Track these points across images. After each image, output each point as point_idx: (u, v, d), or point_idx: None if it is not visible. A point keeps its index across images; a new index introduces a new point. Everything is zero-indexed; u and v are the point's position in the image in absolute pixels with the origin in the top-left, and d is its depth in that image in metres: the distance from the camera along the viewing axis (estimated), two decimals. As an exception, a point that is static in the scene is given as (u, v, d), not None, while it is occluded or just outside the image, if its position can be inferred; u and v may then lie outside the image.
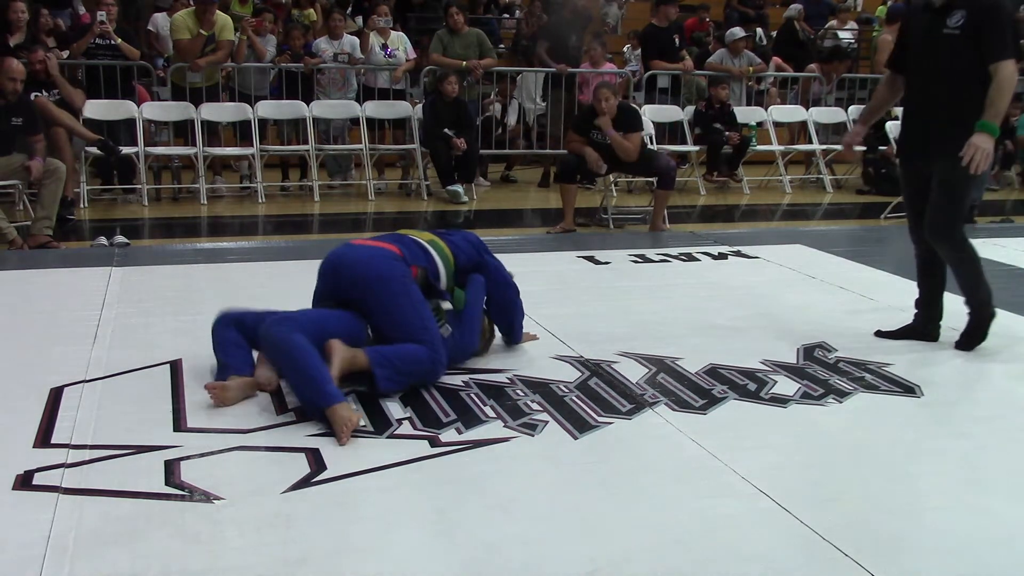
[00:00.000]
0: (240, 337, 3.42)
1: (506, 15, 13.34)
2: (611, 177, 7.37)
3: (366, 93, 8.74)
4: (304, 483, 2.69)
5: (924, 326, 4.25)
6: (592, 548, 2.40)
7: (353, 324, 3.41)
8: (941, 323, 4.24)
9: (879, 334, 4.28)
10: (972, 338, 4.12)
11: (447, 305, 3.65)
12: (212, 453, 2.86)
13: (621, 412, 3.30)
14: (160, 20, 8.59)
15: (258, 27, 8.47)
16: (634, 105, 7.78)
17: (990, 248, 6.39)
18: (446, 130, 8.11)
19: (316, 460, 2.83)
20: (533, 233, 7.09)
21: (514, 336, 3.96)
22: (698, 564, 2.35)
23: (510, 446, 3.00)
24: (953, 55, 3.85)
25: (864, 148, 9.18)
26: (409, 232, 3.76)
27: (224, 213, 7.74)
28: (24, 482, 2.64)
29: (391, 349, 3.36)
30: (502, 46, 11.40)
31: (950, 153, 3.85)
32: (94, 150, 7.31)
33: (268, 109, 8.35)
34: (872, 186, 9.56)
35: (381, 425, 3.11)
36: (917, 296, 4.28)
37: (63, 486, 2.62)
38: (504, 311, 3.91)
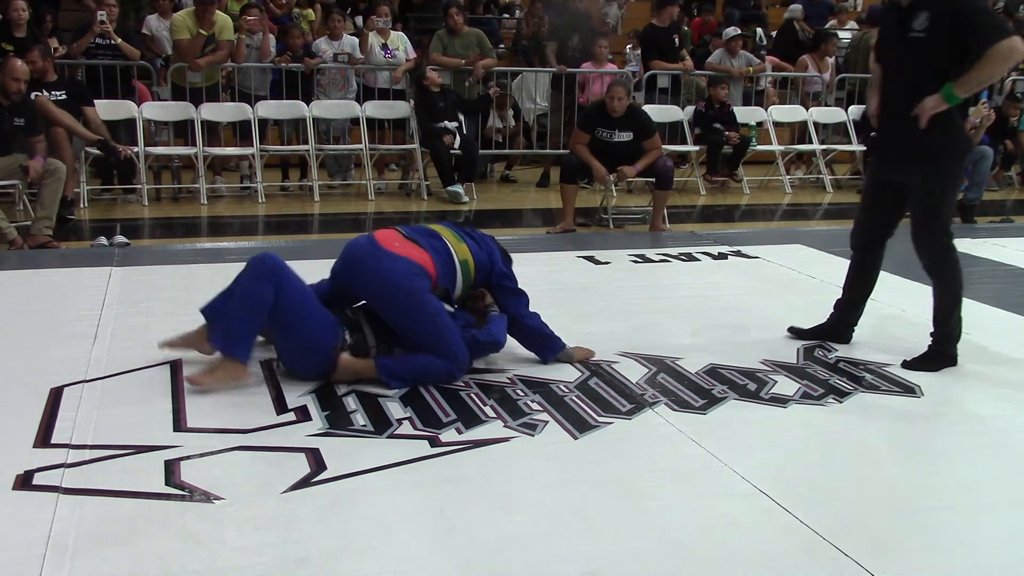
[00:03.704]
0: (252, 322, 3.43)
1: (506, 15, 13.33)
2: (612, 177, 7.38)
3: (366, 93, 8.74)
4: (304, 483, 2.69)
5: (839, 328, 4.14)
6: (592, 548, 2.40)
7: (325, 338, 3.40)
8: (855, 329, 4.15)
9: (792, 331, 4.21)
10: (921, 363, 3.84)
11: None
12: (212, 453, 2.87)
13: (621, 412, 3.30)
14: (154, 23, 8.56)
15: (253, 25, 8.43)
16: (643, 107, 7.81)
17: (990, 248, 6.41)
18: (444, 123, 8.09)
19: (316, 460, 2.83)
20: (533, 233, 7.08)
21: (548, 351, 3.76)
22: (698, 564, 2.35)
23: (510, 446, 3.00)
24: (919, 60, 3.59)
25: (864, 149, 9.18)
26: (448, 237, 3.61)
27: (224, 213, 7.73)
28: (24, 482, 2.64)
29: (403, 363, 3.42)
30: (502, 46, 11.39)
31: (922, 163, 3.68)
32: (94, 150, 7.31)
33: (268, 109, 8.34)
34: None
35: (381, 425, 3.12)
36: (839, 297, 4.16)
37: (63, 486, 2.62)
38: (522, 329, 3.76)
